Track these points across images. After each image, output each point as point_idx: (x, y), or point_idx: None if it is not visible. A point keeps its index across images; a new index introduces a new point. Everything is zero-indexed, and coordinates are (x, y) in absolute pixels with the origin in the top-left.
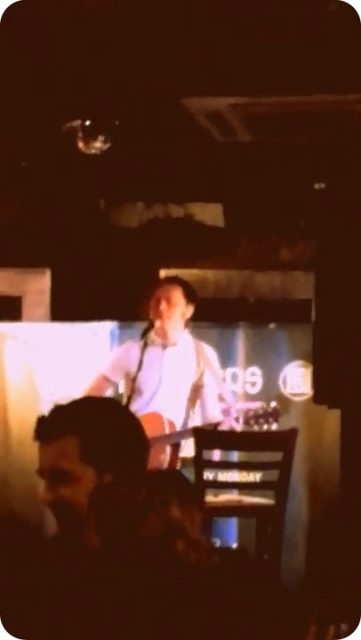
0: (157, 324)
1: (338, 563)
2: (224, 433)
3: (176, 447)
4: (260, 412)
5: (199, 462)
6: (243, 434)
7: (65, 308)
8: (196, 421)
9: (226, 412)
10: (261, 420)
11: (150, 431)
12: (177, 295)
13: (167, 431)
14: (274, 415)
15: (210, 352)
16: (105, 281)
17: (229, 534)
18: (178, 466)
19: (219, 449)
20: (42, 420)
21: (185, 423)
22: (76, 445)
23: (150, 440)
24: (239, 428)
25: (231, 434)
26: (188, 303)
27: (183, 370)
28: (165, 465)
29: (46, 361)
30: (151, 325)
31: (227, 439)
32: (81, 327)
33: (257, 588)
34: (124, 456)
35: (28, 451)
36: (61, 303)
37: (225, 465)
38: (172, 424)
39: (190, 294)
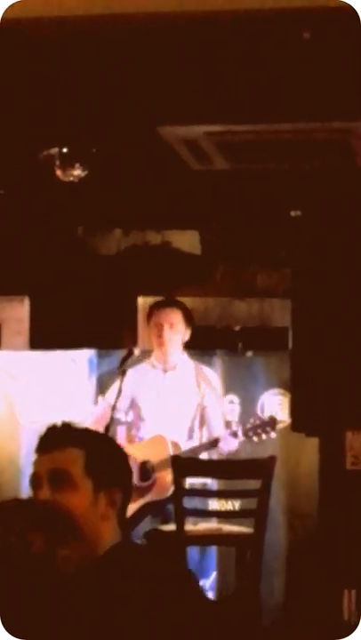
0: (159, 351)
1: (317, 590)
2: (203, 461)
3: None
4: (258, 422)
5: (179, 491)
6: (221, 462)
7: (44, 336)
8: (201, 442)
9: (225, 425)
10: (260, 431)
11: (155, 454)
12: (178, 319)
13: (171, 453)
14: (271, 424)
15: (210, 374)
16: (83, 309)
17: (209, 563)
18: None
19: (198, 477)
20: (47, 434)
21: (190, 444)
22: (81, 455)
23: (156, 464)
24: (237, 443)
25: (210, 462)
26: (188, 327)
27: (184, 392)
28: (172, 487)
29: (26, 389)
30: (130, 354)
31: (206, 467)
32: (60, 355)
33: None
34: (118, 481)
35: (6, 479)
36: (40, 331)
37: (204, 493)
38: (176, 446)
39: (189, 318)
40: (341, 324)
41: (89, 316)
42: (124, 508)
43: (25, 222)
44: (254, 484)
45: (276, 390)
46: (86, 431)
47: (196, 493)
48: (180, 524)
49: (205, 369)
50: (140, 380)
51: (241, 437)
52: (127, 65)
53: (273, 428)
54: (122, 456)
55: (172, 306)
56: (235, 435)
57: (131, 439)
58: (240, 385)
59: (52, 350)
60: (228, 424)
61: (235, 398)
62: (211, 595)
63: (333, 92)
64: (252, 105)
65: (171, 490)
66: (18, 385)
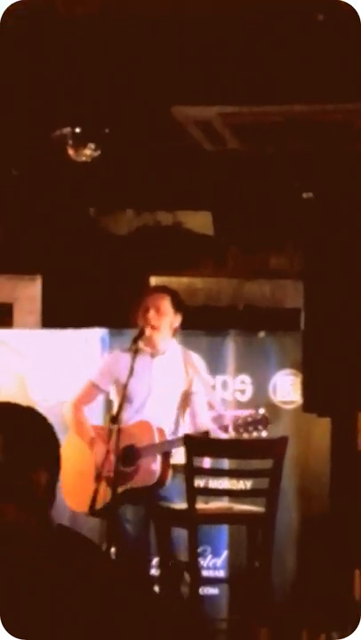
0: (147, 332)
1: (329, 569)
2: (214, 441)
3: (167, 455)
4: (250, 419)
5: (190, 470)
6: (233, 441)
7: (56, 315)
8: (185, 429)
9: (215, 419)
10: (250, 428)
11: (140, 440)
12: (165, 304)
13: (157, 439)
14: (263, 423)
15: (197, 360)
16: (95, 288)
17: (220, 542)
18: (170, 473)
19: (209, 457)
20: None
21: (175, 431)
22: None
23: (142, 450)
24: (226, 436)
25: (221, 441)
26: (177, 312)
27: (172, 378)
28: (157, 475)
29: (37, 368)
30: (142, 332)
31: (217, 447)
32: (72, 334)
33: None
34: (40, 460)
35: None
36: (52, 310)
37: (216, 472)
38: (161, 432)
39: (178, 303)
40: (353, 305)
41: (101, 296)
42: (51, 485)
43: (38, 202)
44: (266, 463)
45: (288, 371)
46: (3, 413)
47: (207, 473)
48: (192, 503)
49: (193, 355)
50: (126, 362)
51: (231, 432)
52: (140, 45)
53: (265, 427)
54: (42, 433)
55: (159, 291)
56: (225, 429)
57: (112, 420)
58: (252, 365)
59: (64, 329)
60: (220, 418)
61: (246, 378)
62: (222, 573)
63: (347, 73)
64: (265, 86)
65: (155, 478)
66: (30, 363)
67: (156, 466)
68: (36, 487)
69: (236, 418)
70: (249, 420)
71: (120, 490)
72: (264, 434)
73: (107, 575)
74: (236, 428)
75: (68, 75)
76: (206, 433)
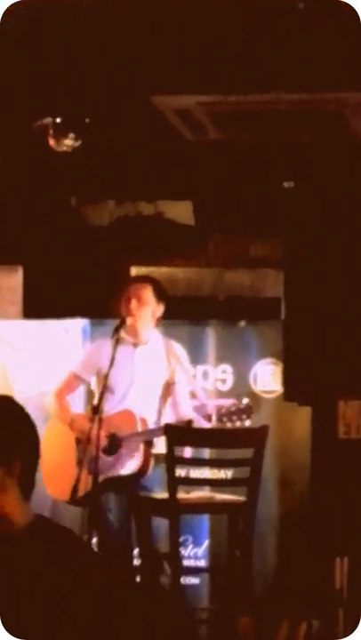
0: (128, 321)
1: (309, 559)
2: (195, 430)
3: (149, 445)
4: (233, 408)
5: (171, 459)
6: (214, 431)
7: (37, 306)
8: (168, 419)
9: (198, 409)
10: (234, 417)
11: (123, 429)
12: (147, 294)
13: (139, 429)
14: (247, 412)
15: (179, 350)
16: (77, 278)
17: (201, 531)
18: (151, 463)
19: (190, 446)
20: None
21: (157, 420)
22: None
23: (123, 438)
24: (209, 426)
25: (202, 431)
26: (159, 302)
27: (154, 368)
28: (139, 465)
29: (19, 358)
30: (123, 322)
31: (198, 436)
32: (53, 324)
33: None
34: (14, 451)
35: None
36: (34, 300)
37: (197, 462)
38: (144, 421)
39: (161, 293)
40: (333, 294)
41: (82, 286)
42: (27, 474)
43: (18, 192)
44: (247, 452)
45: (268, 360)
46: None
47: (188, 462)
48: (173, 492)
49: (175, 344)
50: (108, 352)
51: (214, 422)
52: (120, 35)
53: (248, 416)
54: (15, 423)
55: (141, 281)
56: (208, 418)
57: (94, 410)
58: (233, 355)
59: (46, 319)
60: (203, 407)
61: (228, 368)
62: (203, 562)
63: (327, 62)
64: (245, 75)
65: (137, 467)
66: (12, 354)
67: (138, 455)
68: (10, 476)
69: (220, 407)
70: (233, 409)
71: (101, 478)
72: (248, 423)
73: (87, 566)
74: (220, 418)
75: (48, 65)
76: (189, 422)
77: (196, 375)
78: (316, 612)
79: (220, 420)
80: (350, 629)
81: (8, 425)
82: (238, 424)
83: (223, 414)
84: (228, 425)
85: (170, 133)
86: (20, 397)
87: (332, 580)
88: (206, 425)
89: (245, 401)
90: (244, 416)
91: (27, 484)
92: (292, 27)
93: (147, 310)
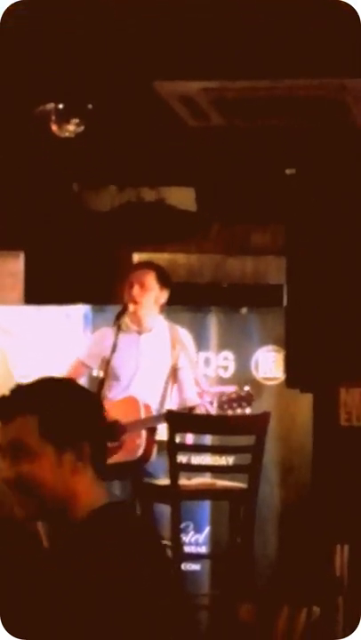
0: (131, 308)
1: (310, 546)
2: (197, 416)
3: (152, 431)
4: (234, 396)
5: (172, 446)
6: (215, 417)
7: (38, 291)
8: (173, 405)
9: (200, 395)
10: (235, 405)
11: (126, 415)
12: (150, 280)
13: (143, 415)
14: (247, 400)
15: (185, 336)
16: (78, 264)
17: (202, 518)
18: (155, 449)
19: (191, 432)
20: (3, 400)
21: (161, 407)
22: (35, 422)
23: (127, 425)
24: (213, 411)
25: (204, 417)
26: (162, 288)
27: (159, 355)
28: (141, 450)
29: (20, 344)
30: (125, 309)
31: (199, 423)
32: (54, 310)
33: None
34: (83, 435)
35: None
36: (35, 286)
37: (198, 448)
38: (147, 408)
39: (164, 279)
40: (335, 281)
41: (84, 272)
42: (99, 455)
43: (20, 177)
44: (248, 439)
45: (270, 347)
46: (39, 392)
47: (190, 449)
48: (174, 479)
49: (180, 330)
50: (111, 339)
51: (215, 409)
52: (124, 20)
53: (249, 404)
54: (84, 406)
55: (144, 267)
56: (210, 404)
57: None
58: (235, 342)
59: (47, 305)
60: (200, 395)
61: (229, 355)
62: (204, 549)
63: (329, 48)
64: (248, 61)
65: (139, 453)
66: (12, 340)
67: (141, 441)
68: (81, 460)
69: (221, 394)
70: (233, 396)
71: None
72: (248, 411)
73: (141, 564)
74: (221, 405)
75: (50, 51)
76: (193, 408)
77: (198, 362)
78: (317, 599)
79: (220, 407)
80: (350, 617)
81: (70, 413)
82: (239, 411)
83: (224, 402)
84: (229, 412)
85: (172, 119)
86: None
87: (333, 568)
88: (210, 410)
89: (247, 388)
90: (244, 403)
91: (99, 465)
92: (296, 12)
93: (149, 296)
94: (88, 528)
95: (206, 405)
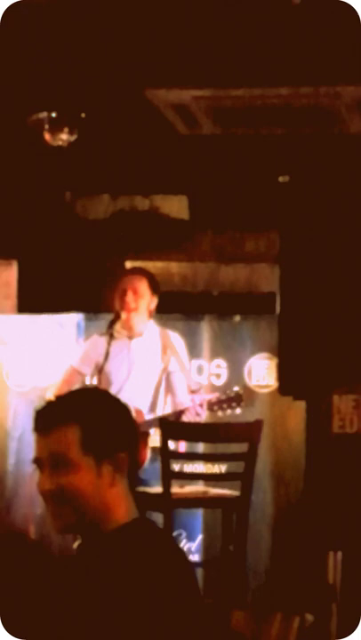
0: (123, 315)
1: (303, 553)
2: (189, 424)
3: (145, 435)
4: (223, 397)
5: (165, 453)
6: (208, 425)
7: (31, 300)
8: (166, 409)
9: (190, 399)
10: (225, 406)
11: None
12: (143, 286)
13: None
14: (237, 400)
15: (176, 339)
16: (71, 273)
17: (195, 526)
18: (148, 454)
19: (184, 440)
20: (41, 412)
21: (153, 411)
22: (77, 434)
23: None
24: (204, 414)
25: (197, 425)
26: (153, 294)
27: (150, 359)
28: None
29: (13, 353)
30: (117, 317)
31: (192, 430)
32: (47, 319)
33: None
34: (121, 445)
35: None
36: (28, 295)
37: (191, 456)
38: (139, 412)
39: (155, 285)
40: (328, 288)
41: (77, 280)
42: (133, 466)
43: (13, 186)
44: (241, 447)
45: (263, 354)
46: (80, 403)
47: (182, 456)
48: (167, 487)
49: (172, 334)
50: (103, 346)
51: (205, 411)
52: (116, 29)
53: (238, 404)
54: (122, 417)
55: (136, 273)
56: (200, 407)
57: None
58: (227, 349)
59: (40, 314)
60: (193, 397)
61: (222, 362)
62: (197, 557)
63: (322, 57)
64: (240, 70)
65: None
66: (6, 349)
67: None
68: (119, 472)
69: (210, 399)
70: (223, 397)
71: None
72: (238, 411)
73: (165, 581)
74: (211, 407)
75: (43, 60)
76: (183, 411)
77: (191, 369)
78: (310, 607)
79: (210, 409)
80: (344, 624)
81: (110, 423)
82: (229, 412)
83: (214, 403)
84: (220, 414)
85: (165, 128)
86: (14, 392)
87: (326, 575)
88: (200, 412)
89: (236, 389)
90: (234, 404)
91: (134, 471)
92: (288, 21)
93: (142, 303)
94: (117, 541)
95: (196, 408)
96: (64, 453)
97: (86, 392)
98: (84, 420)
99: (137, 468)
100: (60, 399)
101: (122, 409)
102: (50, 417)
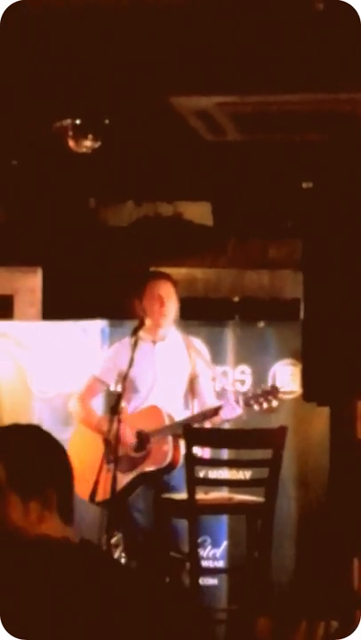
0: (152, 320)
1: (327, 560)
2: (214, 430)
3: (177, 437)
4: (259, 391)
5: (190, 460)
6: (233, 431)
7: (56, 307)
8: (195, 411)
9: (221, 395)
10: (261, 399)
11: (150, 424)
12: (171, 291)
13: (167, 423)
14: (273, 393)
15: (199, 344)
16: (95, 279)
17: (220, 532)
18: (180, 458)
19: (209, 447)
20: None
21: (183, 414)
22: (3, 470)
23: (151, 432)
24: (240, 409)
25: (221, 431)
26: (177, 299)
27: (176, 362)
28: (169, 457)
29: (37, 359)
30: (142, 323)
31: (217, 437)
32: (72, 325)
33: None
34: (49, 482)
35: None
36: (52, 302)
37: (216, 463)
38: (170, 417)
39: (177, 291)
40: (352, 294)
41: (101, 287)
42: (64, 501)
43: (38, 193)
44: (265, 453)
45: (287, 360)
46: (4, 441)
47: (207, 463)
48: (192, 493)
49: (194, 339)
50: (128, 353)
51: (242, 406)
52: (140, 36)
53: (275, 397)
54: (50, 454)
55: (163, 277)
56: (236, 402)
57: (112, 410)
58: (251, 355)
59: (65, 321)
60: (224, 392)
61: (246, 369)
62: (221, 563)
63: (344, 63)
64: (264, 76)
65: (168, 459)
66: (30, 355)
67: (168, 447)
68: (47, 508)
69: (245, 392)
70: (258, 392)
71: (133, 475)
72: (275, 404)
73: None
74: (247, 402)
75: (67, 66)
76: (219, 408)
77: (215, 376)
78: (335, 613)
79: (247, 403)
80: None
81: (38, 455)
82: (265, 406)
83: (250, 397)
84: (256, 407)
85: (188, 134)
86: (39, 398)
87: (350, 581)
88: (236, 408)
89: (270, 382)
90: (270, 397)
91: (65, 511)
92: (312, 27)
93: (173, 307)
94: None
95: (232, 404)
96: None
97: (13, 430)
98: (9, 455)
99: (69, 504)
100: None
101: (51, 445)
102: None
